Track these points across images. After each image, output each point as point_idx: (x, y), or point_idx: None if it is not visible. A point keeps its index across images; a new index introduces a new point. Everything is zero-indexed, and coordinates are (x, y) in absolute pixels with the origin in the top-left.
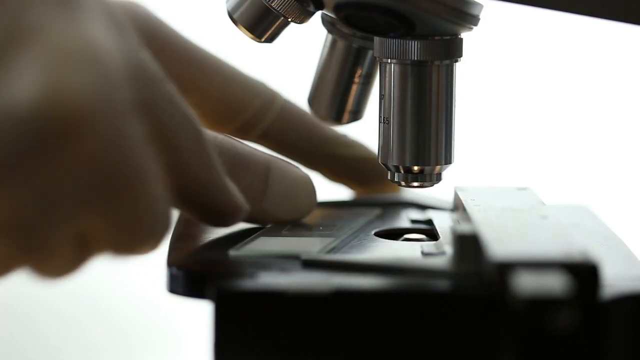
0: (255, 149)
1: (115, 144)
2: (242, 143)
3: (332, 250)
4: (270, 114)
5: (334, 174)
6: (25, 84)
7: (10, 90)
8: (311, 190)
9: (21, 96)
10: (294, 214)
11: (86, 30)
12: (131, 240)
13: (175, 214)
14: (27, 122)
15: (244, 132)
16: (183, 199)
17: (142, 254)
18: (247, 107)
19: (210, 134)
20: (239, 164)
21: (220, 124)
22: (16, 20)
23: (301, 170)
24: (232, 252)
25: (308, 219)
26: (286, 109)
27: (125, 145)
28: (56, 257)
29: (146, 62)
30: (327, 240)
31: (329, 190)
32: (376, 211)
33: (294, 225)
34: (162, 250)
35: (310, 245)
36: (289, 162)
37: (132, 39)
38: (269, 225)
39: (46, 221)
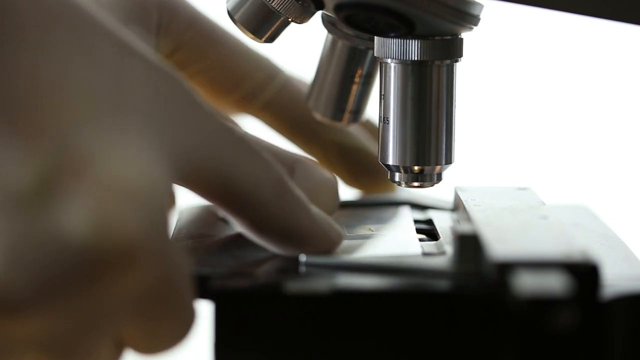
0: (282, 149)
1: (163, 275)
2: (269, 143)
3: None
4: (271, 87)
5: (328, 160)
6: (79, 218)
7: (63, 221)
8: (334, 191)
9: (74, 230)
10: None
11: (135, 164)
12: (165, 342)
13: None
14: (79, 253)
15: (246, 104)
16: (278, 246)
17: (171, 350)
18: (250, 78)
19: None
20: None
21: (223, 93)
22: (64, 149)
23: (327, 172)
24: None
25: (350, 220)
26: (289, 85)
27: (174, 275)
28: None
29: (217, 129)
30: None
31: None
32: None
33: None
34: None
35: (389, 248)
36: (316, 163)
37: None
38: None
39: (87, 337)
